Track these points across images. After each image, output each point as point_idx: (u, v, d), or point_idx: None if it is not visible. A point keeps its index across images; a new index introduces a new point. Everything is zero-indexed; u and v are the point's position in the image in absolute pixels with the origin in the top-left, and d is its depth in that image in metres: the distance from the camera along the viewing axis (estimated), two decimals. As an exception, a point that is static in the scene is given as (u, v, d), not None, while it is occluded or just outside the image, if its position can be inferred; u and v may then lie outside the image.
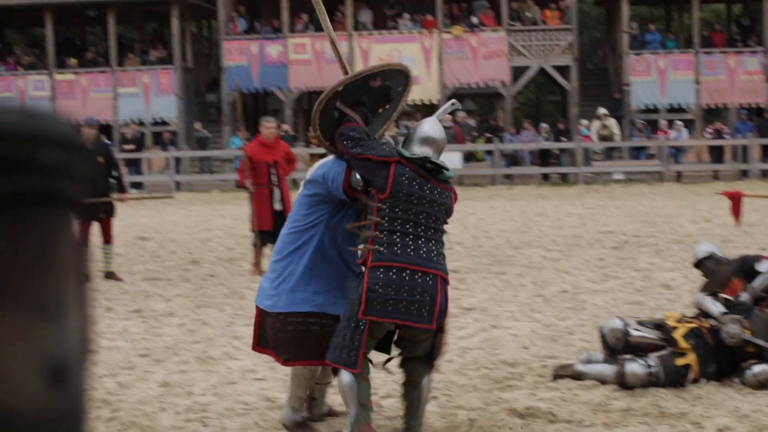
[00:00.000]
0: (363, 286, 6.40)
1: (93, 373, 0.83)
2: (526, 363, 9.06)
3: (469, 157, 33.10)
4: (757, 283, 9.03)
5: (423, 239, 6.55)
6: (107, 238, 14.66)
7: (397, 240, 6.48)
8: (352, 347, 6.42)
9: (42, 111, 0.77)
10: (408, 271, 6.41)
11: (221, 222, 22.47)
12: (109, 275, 14.68)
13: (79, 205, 0.80)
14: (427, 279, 6.46)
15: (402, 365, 6.86)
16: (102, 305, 12.67)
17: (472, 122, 34.88)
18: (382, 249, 6.46)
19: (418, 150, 6.75)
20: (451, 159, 31.09)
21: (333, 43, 7.57)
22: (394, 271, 6.39)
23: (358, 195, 6.80)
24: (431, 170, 6.70)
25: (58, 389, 0.76)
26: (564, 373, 8.47)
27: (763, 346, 8.29)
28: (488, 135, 33.43)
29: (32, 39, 43.83)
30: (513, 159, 33.17)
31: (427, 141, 6.84)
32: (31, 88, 37.55)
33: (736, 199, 11.91)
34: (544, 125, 33.81)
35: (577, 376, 8.42)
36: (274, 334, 6.97)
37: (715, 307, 8.55)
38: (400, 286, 6.38)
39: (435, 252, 6.60)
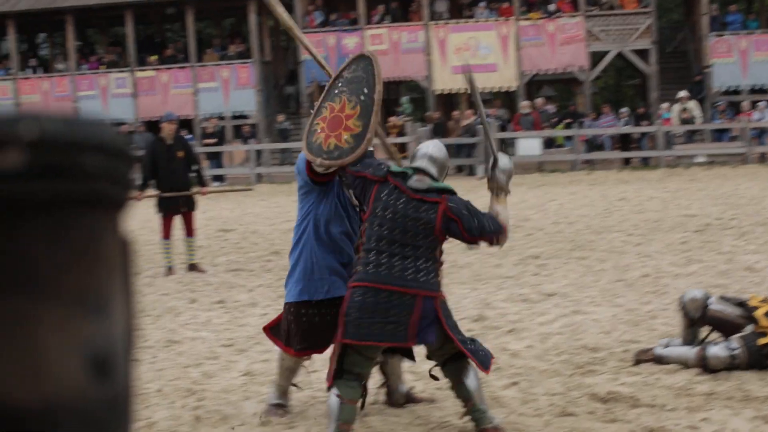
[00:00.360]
0: (342, 309, 6.52)
1: (137, 365, 0.88)
2: (608, 348, 9.02)
3: (549, 144, 32.89)
4: None
5: (398, 257, 6.50)
6: (189, 230, 14.86)
7: (372, 258, 6.50)
8: (333, 365, 6.58)
9: (84, 119, 0.81)
10: (385, 293, 6.43)
11: (302, 213, 22.60)
12: (192, 267, 14.88)
13: (123, 206, 0.85)
14: (405, 299, 6.43)
15: (442, 369, 6.88)
16: (186, 297, 12.85)
17: (551, 108, 34.65)
18: (359, 268, 6.56)
19: (417, 164, 6.81)
20: (531, 146, 30.99)
21: (307, 48, 7.56)
22: (371, 293, 6.42)
23: (321, 178, 7.01)
24: (416, 188, 6.64)
25: (103, 380, 0.80)
26: (644, 357, 8.43)
27: None
28: (568, 121, 33.19)
29: (113, 37, 44.45)
30: (593, 144, 32.91)
31: (425, 156, 6.83)
32: (113, 86, 38.09)
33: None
34: (623, 110, 33.49)
35: (658, 361, 8.36)
36: (287, 326, 7.23)
37: None
38: (375, 308, 6.40)
39: (412, 269, 6.51)
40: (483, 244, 6.83)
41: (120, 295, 0.84)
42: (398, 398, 7.65)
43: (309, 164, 6.97)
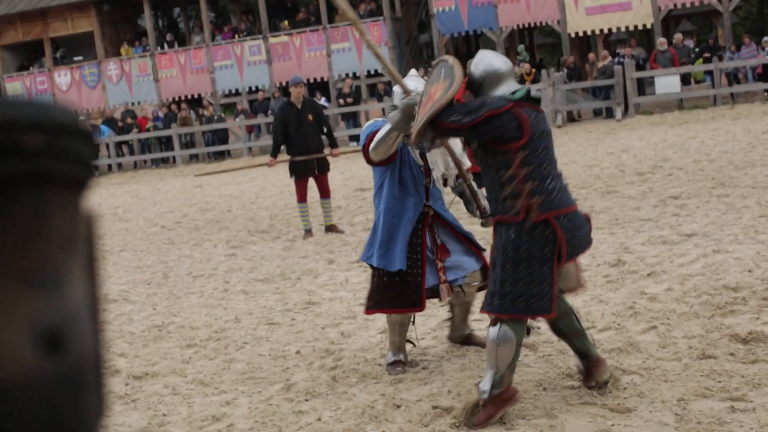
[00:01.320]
0: (557, 235, 6.15)
1: (104, 338, 0.88)
2: (750, 287, 8.78)
3: (688, 80, 32.11)
4: None
5: (559, 176, 6.33)
6: (324, 192, 14.97)
7: (550, 186, 6.20)
8: (543, 294, 6.17)
9: (27, 100, 0.83)
10: (574, 213, 6.31)
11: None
12: (330, 228, 15.01)
13: (81, 183, 0.86)
14: (577, 211, 6.42)
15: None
16: (324, 258, 12.98)
17: (690, 43, 33.77)
18: (545, 197, 6.17)
19: (506, 88, 6.48)
20: (670, 83, 30.30)
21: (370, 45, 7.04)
22: (570, 216, 6.25)
23: (373, 162, 7.41)
24: (535, 99, 6.42)
25: (54, 355, 0.81)
26: None
27: None
28: (706, 55, 32.31)
29: (246, 6, 44.96)
30: (735, 77, 31.99)
31: (506, 75, 6.56)
32: (247, 54, 38.58)
33: None
34: (766, 39, 32.45)
35: None
36: (376, 286, 7.63)
37: None
38: (576, 225, 6.30)
39: (565, 186, 6.39)
40: None
41: (79, 270, 0.85)
42: (458, 337, 8.12)
43: (365, 148, 7.34)
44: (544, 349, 7.72)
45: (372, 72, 37.39)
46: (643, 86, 31.53)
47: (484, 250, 7.75)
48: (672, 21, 37.59)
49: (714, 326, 7.74)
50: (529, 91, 6.38)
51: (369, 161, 7.49)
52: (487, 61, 6.60)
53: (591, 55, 33.62)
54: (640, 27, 35.14)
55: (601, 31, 35.71)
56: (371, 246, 7.64)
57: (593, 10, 34.79)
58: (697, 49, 33.22)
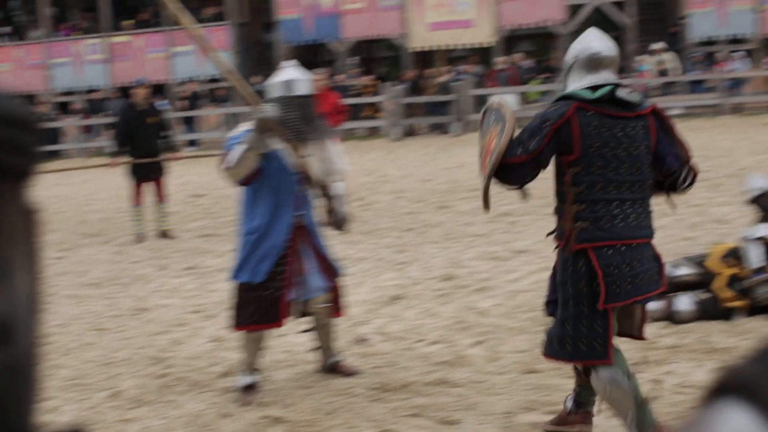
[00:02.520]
0: (596, 271, 5.38)
1: (41, 332, 0.87)
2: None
3: (525, 99, 32.83)
4: None
5: (629, 202, 5.44)
6: (161, 197, 14.80)
7: (601, 211, 5.41)
8: (594, 337, 5.44)
9: None
10: (631, 245, 5.43)
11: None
12: (164, 234, 14.83)
13: (24, 176, 0.84)
14: (643, 245, 5.54)
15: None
16: (156, 264, 12.81)
17: (527, 63, 34.54)
18: (589, 223, 5.41)
19: (592, 78, 5.54)
20: (508, 101, 30.87)
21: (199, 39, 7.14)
22: (623, 248, 5.40)
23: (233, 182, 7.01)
24: (621, 102, 5.49)
25: (3, 346, 0.80)
26: None
27: None
28: (545, 75, 33.09)
29: (87, 3, 44.09)
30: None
31: (601, 62, 5.59)
32: (87, 52, 37.84)
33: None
34: (600, 63, 33.37)
35: None
36: (235, 300, 7.24)
37: (755, 258, 8.32)
38: (632, 260, 5.43)
39: (644, 214, 5.52)
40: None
41: (22, 263, 0.84)
42: (326, 365, 7.62)
43: (223, 167, 6.97)
44: (374, 360, 7.78)
45: (213, 77, 37.08)
46: (481, 103, 32.04)
47: (338, 275, 7.40)
48: (513, 40, 38.35)
49: (540, 341, 7.91)
50: (614, 91, 5.46)
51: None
52: (586, 41, 5.63)
53: (430, 71, 34.04)
54: (481, 45, 35.74)
55: (443, 47, 36.20)
56: (241, 261, 7.14)
57: (437, 26, 35.25)
58: (534, 70, 34.02)
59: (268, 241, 7.03)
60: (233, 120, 33.44)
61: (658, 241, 11.25)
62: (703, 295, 8.27)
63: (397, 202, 16.67)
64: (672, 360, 7.27)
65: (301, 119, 6.97)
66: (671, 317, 8.18)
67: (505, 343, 8.02)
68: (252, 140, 6.78)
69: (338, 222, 7.32)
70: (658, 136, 5.56)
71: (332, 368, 7.56)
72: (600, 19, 46.56)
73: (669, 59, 32.13)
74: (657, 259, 5.58)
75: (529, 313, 8.84)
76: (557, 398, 6.58)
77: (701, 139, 24.00)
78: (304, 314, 7.36)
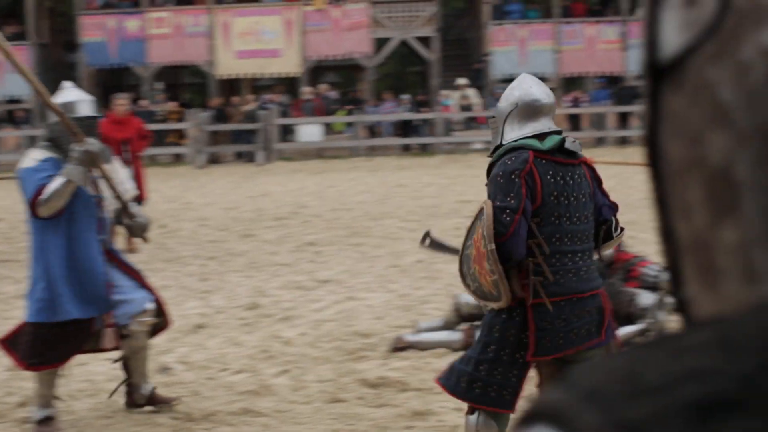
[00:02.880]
0: (528, 324, 5.20)
1: None
2: (380, 333, 9.10)
3: (330, 130, 33.09)
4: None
5: (580, 253, 5.31)
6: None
7: (557, 264, 5.23)
8: (506, 386, 5.28)
9: None
10: (574, 299, 5.28)
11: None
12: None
13: None
14: (588, 298, 5.36)
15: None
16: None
17: (333, 94, 34.81)
18: (542, 279, 5.21)
19: (534, 126, 5.38)
20: (312, 132, 31.05)
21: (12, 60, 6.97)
22: (562, 303, 5.24)
23: (42, 217, 6.68)
24: (574, 152, 5.39)
25: None
26: (400, 345, 8.53)
27: None
28: (349, 107, 33.41)
29: None
30: (374, 131, 33.22)
31: (541, 110, 5.43)
32: None
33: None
34: (405, 96, 33.91)
35: (415, 347, 8.49)
36: (32, 338, 6.95)
37: None
38: (570, 314, 5.26)
39: (592, 265, 5.40)
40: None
41: None
42: (140, 398, 7.26)
43: (32, 202, 6.63)
44: (177, 390, 7.67)
45: (11, 98, 36.01)
46: (287, 133, 32.11)
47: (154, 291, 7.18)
48: (319, 71, 38.59)
49: (345, 371, 7.97)
50: (564, 141, 5.34)
51: (36, 216, 6.72)
52: (525, 87, 5.47)
53: (236, 99, 33.92)
54: (288, 75, 35.84)
55: (250, 75, 36.15)
56: (36, 300, 6.79)
57: (243, 55, 35.18)
58: (339, 102, 34.33)
59: (81, 270, 6.70)
60: (31, 143, 32.57)
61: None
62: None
63: (201, 230, 16.51)
64: (473, 389, 7.40)
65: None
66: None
67: (310, 372, 8.03)
68: (74, 173, 6.56)
69: (139, 228, 7.06)
70: (593, 184, 5.47)
71: (150, 400, 7.23)
72: (405, 53, 47.35)
73: (472, 95, 32.87)
74: (601, 311, 5.35)
75: (334, 342, 8.88)
76: (362, 427, 6.62)
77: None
78: (121, 337, 7.03)
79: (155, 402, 7.22)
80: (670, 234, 0.69)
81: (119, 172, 7.07)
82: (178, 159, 31.04)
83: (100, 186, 6.89)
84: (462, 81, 33.22)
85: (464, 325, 8.58)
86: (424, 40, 36.62)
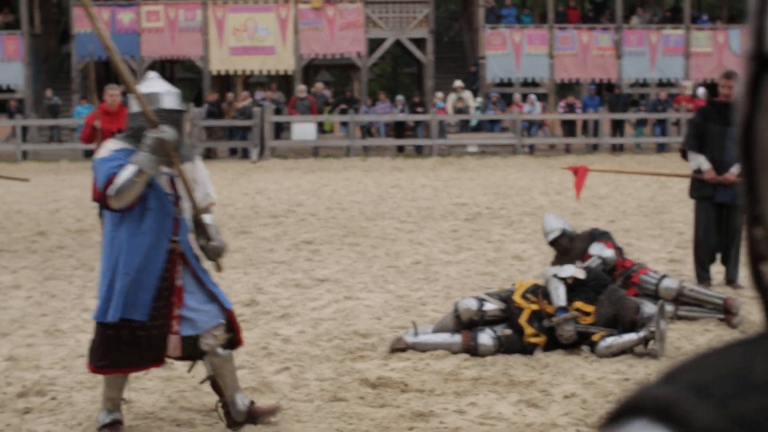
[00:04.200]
0: None
1: None
2: (379, 333, 9.08)
3: (324, 129, 33.08)
4: (593, 264, 9.28)
5: None
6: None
7: None
8: None
9: None
10: None
11: (70, 193, 21.96)
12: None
13: None
14: None
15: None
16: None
17: (327, 93, 34.79)
18: None
19: None
20: (306, 130, 31.01)
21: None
22: None
23: (113, 209, 6.27)
24: None
25: None
26: (398, 346, 8.52)
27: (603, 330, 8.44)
28: (343, 106, 33.39)
29: None
30: (368, 131, 33.22)
31: None
32: None
33: (580, 174, 12.15)
34: (399, 97, 33.92)
35: (414, 348, 8.48)
36: (101, 340, 6.49)
37: (557, 297, 8.56)
38: None
39: None
40: None
41: None
42: (237, 415, 6.73)
43: (104, 191, 6.19)
44: (177, 385, 7.63)
45: (4, 87, 35.90)
46: (281, 130, 32.08)
47: (228, 308, 6.65)
48: (312, 70, 38.56)
49: (345, 370, 7.95)
50: None
51: (107, 208, 6.31)
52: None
53: (230, 95, 33.88)
54: (281, 72, 35.82)
55: (243, 72, 36.10)
56: (100, 298, 6.39)
57: (237, 51, 35.14)
58: (333, 101, 34.32)
59: (146, 270, 6.32)
60: (24, 132, 32.48)
61: (457, 275, 11.48)
62: (505, 330, 8.46)
63: (196, 226, 16.44)
64: (474, 391, 7.39)
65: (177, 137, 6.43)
66: (473, 350, 8.34)
67: (310, 370, 8.00)
68: (144, 161, 6.18)
69: (214, 251, 6.70)
70: None
71: (249, 414, 6.73)
72: (400, 54, 47.41)
73: (467, 98, 32.88)
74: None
75: (333, 341, 8.85)
76: (363, 427, 6.60)
77: (497, 176, 24.67)
78: (191, 355, 6.61)
79: (256, 416, 6.74)
80: (759, 222, 0.68)
81: (200, 173, 6.69)
82: (170, 153, 30.92)
83: (178, 185, 6.50)
84: (458, 83, 33.22)
85: (464, 334, 8.56)
86: (419, 42, 36.63)
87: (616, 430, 0.63)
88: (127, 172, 6.14)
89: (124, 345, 6.30)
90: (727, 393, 0.58)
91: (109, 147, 6.41)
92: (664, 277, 9.80)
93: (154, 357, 6.38)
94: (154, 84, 6.66)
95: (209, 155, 30.81)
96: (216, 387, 6.70)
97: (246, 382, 7.62)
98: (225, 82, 38.37)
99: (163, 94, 6.54)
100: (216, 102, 32.39)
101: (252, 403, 6.78)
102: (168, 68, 41.22)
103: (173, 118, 6.49)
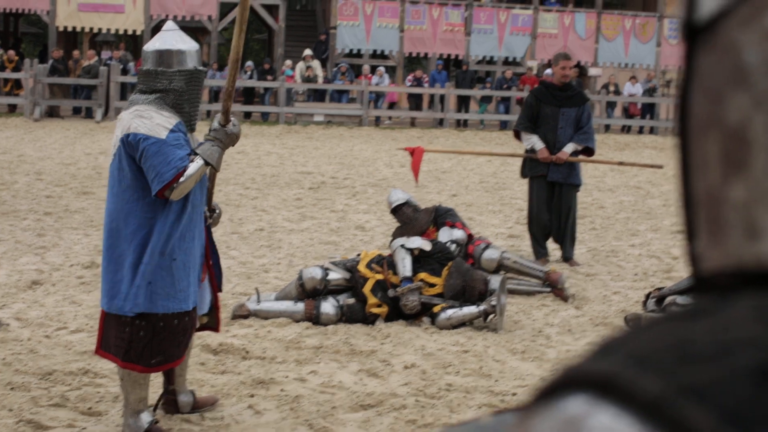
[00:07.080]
0: None
1: None
2: (221, 300, 9.04)
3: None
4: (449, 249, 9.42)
5: None
6: None
7: None
8: None
9: None
10: None
11: None
12: None
13: None
14: None
15: None
16: None
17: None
18: None
19: None
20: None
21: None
22: None
23: (165, 198, 5.63)
24: None
25: None
26: (240, 313, 8.55)
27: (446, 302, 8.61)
28: (192, 70, 32.90)
29: None
30: (215, 95, 32.90)
31: None
32: None
33: (416, 155, 12.23)
34: (249, 63, 33.64)
35: (256, 315, 8.51)
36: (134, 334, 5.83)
37: (403, 268, 8.68)
38: None
39: None
40: None
41: None
42: (183, 406, 6.38)
43: (168, 185, 5.54)
44: (13, 347, 7.50)
45: None
46: (126, 91, 31.52)
47: (220, 288, 6.38)
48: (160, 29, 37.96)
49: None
50: None
51: (159, 196, 5.59)
52: None
53: (76, 52, 33.13)
54: (130, 32, 35.17)
55: (91, 29, 35.32)
56: (146, 289, 5.64)
57: (85, 8, 34.32)
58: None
59: (191, 255, 5.79)
60: None
61: (301, 243, 11.52)
62: (348, 300, 8.55)
63: (36, 184, 16.13)
64: (315, 360, 7.46)
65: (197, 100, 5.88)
66: (315, 319, 8.41)
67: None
68: (215, 157, 5.74)
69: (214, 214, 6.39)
70: None
71: (194, 405, 6.37)
72: (251, 20, 46.94)
73: (315, 67, 32.85)
74: None
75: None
76: (203, 393, 6.60)
77: (342, 147, 24.78)
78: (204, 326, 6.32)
79: (199, 407, 6.38)
80: (688, 190, 0.70)
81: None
82: (12, 110, 30.18)
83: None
84: (307, 52, 33.15)
85: (307, 302, 8.61)
86: (270, 8, 36.36)
87: (548, 408, 0.59)
88: (194, 166, 5.62)
89: (178, 335, 5.80)
90: (672, 363, 0.57)
91: (161, 123, 5.64)
92: (486, 247, 10.02)
93: (186, 345, 5.97)
94: (174, 38, 5.87)
95: (52, 113, 30.09)
96: (167, 375, 6.33)
97: (84, 346, 7.55)
98: (71, 38, 37.50)
99: (189, 53, 5.83)
100: (61, 59, 31.61)
101: (193, 392, 6.44)
102: (12, 21, 40.08)
103: (197, 79, 5.85)
